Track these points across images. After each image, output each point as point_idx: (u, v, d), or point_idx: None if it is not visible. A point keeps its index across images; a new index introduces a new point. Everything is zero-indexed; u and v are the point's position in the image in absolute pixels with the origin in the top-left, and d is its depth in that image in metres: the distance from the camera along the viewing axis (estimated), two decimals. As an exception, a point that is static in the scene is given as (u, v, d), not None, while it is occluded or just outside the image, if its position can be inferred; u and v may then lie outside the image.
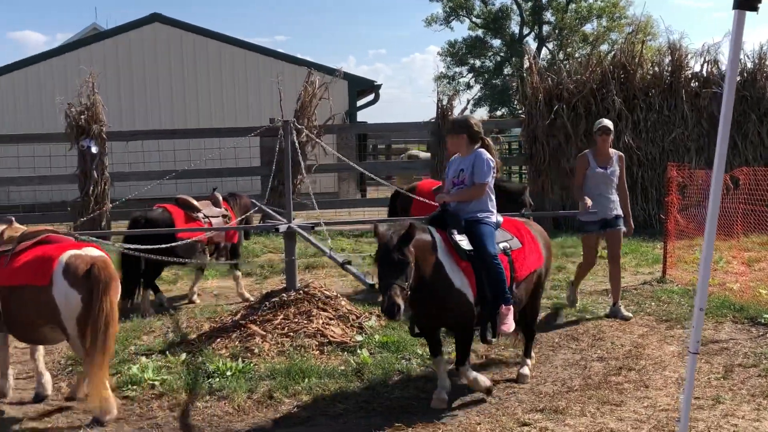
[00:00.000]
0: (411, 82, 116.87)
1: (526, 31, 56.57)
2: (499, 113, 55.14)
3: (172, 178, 15.87)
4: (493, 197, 6.11)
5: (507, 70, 56.87)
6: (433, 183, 10.12)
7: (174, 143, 17.40)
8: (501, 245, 5.93)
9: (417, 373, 6.58)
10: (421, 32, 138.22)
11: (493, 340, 6.04)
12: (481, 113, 56.44)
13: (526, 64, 16.92)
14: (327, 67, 18.67)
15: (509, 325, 5.80)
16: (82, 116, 13.93)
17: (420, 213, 8.69)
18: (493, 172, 6.06)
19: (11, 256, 5.81)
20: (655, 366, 6.76)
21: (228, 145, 16.11)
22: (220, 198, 9.99)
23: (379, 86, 23.47)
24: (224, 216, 9.75)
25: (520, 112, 42.93)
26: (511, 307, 5.82)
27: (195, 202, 9.58)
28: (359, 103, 23.82)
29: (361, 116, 24.03)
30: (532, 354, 6.72)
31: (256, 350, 7.01)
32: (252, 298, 9.09)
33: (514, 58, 54.65)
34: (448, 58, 58.40)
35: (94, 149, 13.93)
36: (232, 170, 16.01)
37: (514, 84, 35.78)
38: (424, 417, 5.66)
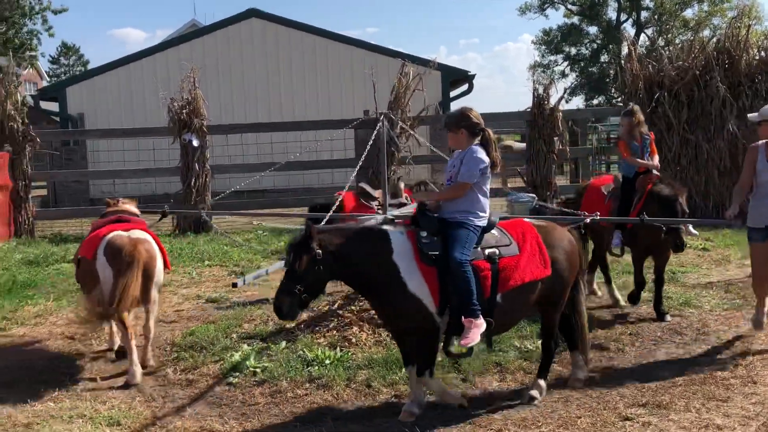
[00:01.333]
0: (503, 72, 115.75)
1: (623, 17, 55.21)
2: (595, 102, 54.05)
3: (269, 170, 16.25)
4: (482, 197, 5.60)
5: (604, 58, 55.66)
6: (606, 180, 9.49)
7: (271, 136, 17.75)
8: (487, 251, 5.50)
9: (515, 366, 6.52)
10: (514, 21, 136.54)
11: (457, 350, 5.62)
12: (577, 102, 55.46)
13: (625, 51, 16.47)
14: (420, 58, 18.62)
15: (469, 339, 5.25)
16: (184, 111, 14.35)
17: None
18: (485, 171, 5.56)
19: (90, 231, 7.13)
20: (764, 361, 6.52)
21: (323, 137, 16.35)
22: (402, 186, 9.77)
23: (473, 76, 23.32)
24: (402, 204, 9.18)
25: (618, 100, 41.90)
26: (478, 320, 5.28)
27: (371, 191, 9.62)
28: (452, 93, 23.72)
29: (455, 107, 23.87)
30: (545, 377, 5.96)
31: (354, 339, 7.09)
32: None
33: (611, 45, 53.42)
34: (543, 47, 57.60)
35: (195, 143, 14.34)
36: (327, 162, 16.21)
37: (611, 71, 35.02)
38: (522, 410, 5.62)
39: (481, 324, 5.29)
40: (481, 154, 5.59)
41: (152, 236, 7.12)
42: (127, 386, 6.40)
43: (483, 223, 5.57)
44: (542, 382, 5.89)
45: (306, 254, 5.15)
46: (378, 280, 5.35)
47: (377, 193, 9.55)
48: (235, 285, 6.50)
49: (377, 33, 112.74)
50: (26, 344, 7.80)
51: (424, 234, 5.42)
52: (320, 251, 5.16)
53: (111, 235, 6.73)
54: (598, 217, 7.66)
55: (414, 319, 5.37)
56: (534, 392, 5.79)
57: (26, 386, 6.46)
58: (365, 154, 9.34)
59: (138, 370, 6.52)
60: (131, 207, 7.60)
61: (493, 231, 5.66)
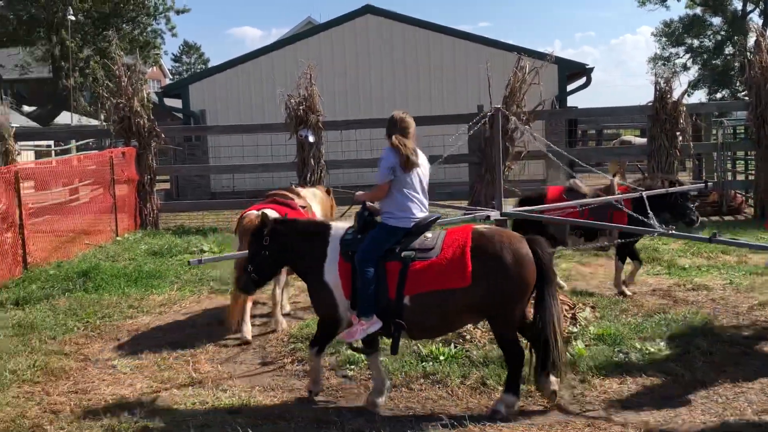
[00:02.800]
0: (620, 65, 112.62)
1: (749, 7, 52.72)
2: (719, 95, 51.90)
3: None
4: (402, 197, 5.59)
5: (728, 50, 53.38)
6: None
7: (384, 131, 17.84)
8: (404, 253, 5.50)
9: (636, 368, 6.32)
10: (631, 12, 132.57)
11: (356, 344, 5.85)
12: (699, 96, 53.45)
13: (752, 42, 15.67)
14: (536, 51, 18.31)
15: (349, 335, 5.65)
16: (301, 107, 14.59)
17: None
18: (394, 171, 5.57)
19: None
20: None
21: (435, 133, 16.31)
22: (615, 181, 9.15)
23: (591, 69, 22.74)
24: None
25: (743, 93, 40.00)
26: (366, 319, 5.47)
27: (579, 184, 9.25)
28: (569, 87, 23.24)
29: (571, 101, 23.41)
30: (512, 391, 5.55)
31: (468, 336, 7.04)
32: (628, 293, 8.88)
33: (736, 37, 51.13)
34: (663, 39, 55.74)
35: (311, 138, 14.57)
36: (439, 157, 16.14)
37: (736, 64, 33.54)
38: (642, 411, 5.46)
39: (369, 324, 5.49)
40: (388, 153, 5.67)
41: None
42: (246, 373, 6.58)
43: (402, 224, 5.59)
44: (509, 398, 5.52)
45: (256, 240, 5.95)
46: (306, 265, 5.89)
47: (586, 189, 9.15)
48: (189, 263, 7.01)
49: (489, 27, 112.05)
50: (152, 331, 8.12)
51: (349, 231, 5.78)
52: (268, 238, 5.87)
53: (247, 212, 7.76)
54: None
55: (322, 306, 5.85)
56: (498, 406, 5.50)
57: (152, 372, 6.74)
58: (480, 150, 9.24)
59: (248, 328, 7.59)
60: (302, 191, 8.93)
61: (427, 233, 5.64)
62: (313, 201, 8.88)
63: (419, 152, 5.74)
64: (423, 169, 5.76)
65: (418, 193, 5.68)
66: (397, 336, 5.58)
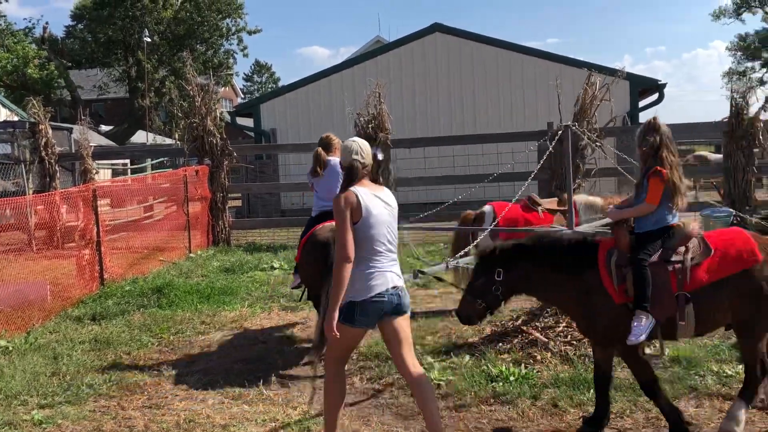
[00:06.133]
0: (692, 80, 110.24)
1: (830, 18, 51.13)
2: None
3: (451, 182, 16.30)
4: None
5: (807, 63, 51.82)
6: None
7: (453, 149, 17.84)
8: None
9: (712, 392, 6.13)
10: (703, 27, 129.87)
11: None
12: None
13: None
14: (606, 67, 18.06)
15: None
16: (370, 125, 14.67)
17: None
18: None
19: None
20: None
21: (505, 150, 16.21)
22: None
23: (663, 85, 22.36)
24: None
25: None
26: None
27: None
28: (641, 103, 22.86)
29: (643, 117, 22.99)
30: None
31: (539, 357, 6.96)
32: None
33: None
34: (739, 53, 54.43)
35: (380, 156, 14.56)
36: (510, 174, 16.05)
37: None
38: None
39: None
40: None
41: None
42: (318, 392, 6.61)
43: None
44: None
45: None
46: None
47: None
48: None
49: (558, 43, 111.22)
50: (223, 347, 8.24)
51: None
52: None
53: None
54: None
55: None
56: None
57: (223, 388, 6.83)
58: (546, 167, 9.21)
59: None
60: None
61: None
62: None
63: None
64: None
65: None
66: None
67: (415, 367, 5.11)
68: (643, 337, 5.06)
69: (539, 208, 9.27)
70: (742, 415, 5.20)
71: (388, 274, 5.04)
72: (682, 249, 5.21)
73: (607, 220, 7.55)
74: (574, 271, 5.30)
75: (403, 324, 5.11)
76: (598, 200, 9.44)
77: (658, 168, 5.24)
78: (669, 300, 5.09)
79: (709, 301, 5.08)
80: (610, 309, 5.19)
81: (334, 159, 7.80)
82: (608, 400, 5.54)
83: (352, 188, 5.05)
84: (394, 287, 5.03)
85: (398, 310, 5.07)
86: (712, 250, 5.16)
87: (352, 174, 5.13)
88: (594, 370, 5.61)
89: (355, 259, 4.93)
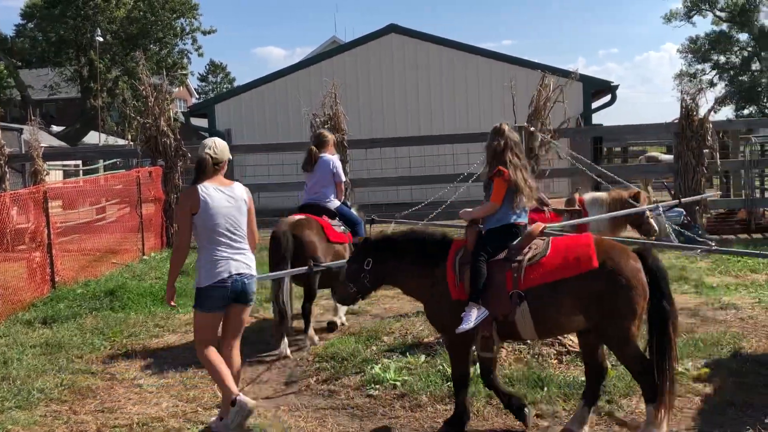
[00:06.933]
0: (645, 82, 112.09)
1: (777, 22, 52.35)
2: (746, 112, 51.49)
3: (408, 183, 16.34)
4: None
5: (755, 66, 53.02)
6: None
7: (409, 150, 17.88)
8: None
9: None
10: (656, 29, 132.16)
11: None
12: (726, 112, 53.06)
13: (780, 58, 15.55)
14: (560, 69, 18.29)
15: None
16: (326, 126, 14.64)
17: None
18: None
19: None
20: None
21: (461, 151, 16.30)
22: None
23: (615, 87, 22.69)
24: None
25: (771, 110, 39.62)
26: None
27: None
28: (594, 104, 23.18)
29: (596, 118, 23.35)
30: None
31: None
32: None
33: (763, 53, 50.81)
34: (689, 55, 55.47)
35: (336, 157, 14.59)
36: (464, 175, 16.13)
37: (764, 80, 33.27)
38: (673, 434, 5.38)
39: None
40: None
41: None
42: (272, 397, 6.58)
43: None
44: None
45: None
46: None
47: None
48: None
49: (513, 45, 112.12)
50: (178, 351, 8.15)
51: None
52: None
53: None
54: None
55: None
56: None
57: (178, 392, 6.76)
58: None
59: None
60: None
61: None
62: None
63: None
64: None
65: None
66: None
67: (236, 357, 5.79)
68: (467, 326, 5.18)
69: (546, 209, 9.27)
70: (655, 417, 5.13)
71: (232, 262, 5.52)
72: (525, 249, 5.36)
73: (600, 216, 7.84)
74: (428, 266, 5.55)
75: (241, 315, 5.73)
76: (603, 195, 9.63)
77: (501, 168, 5.44)
78: (504, 297, 5.22)
79: (544, 301, 5.15)
80: (449, 303, 5.39)
81: (326, 156, 8.63)
82: (505, 390, 5.72)
83: (198, 183, 5.57)
84: (238, 274, 5.53)
85: (242, 298, 5.62)
86: (548, 252, 5.27)
87: (200, 167, 5.65)
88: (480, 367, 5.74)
89: (200, 249, 5.58)
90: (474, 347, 5.54)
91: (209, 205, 5.49)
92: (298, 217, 8.25)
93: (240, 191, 5.69)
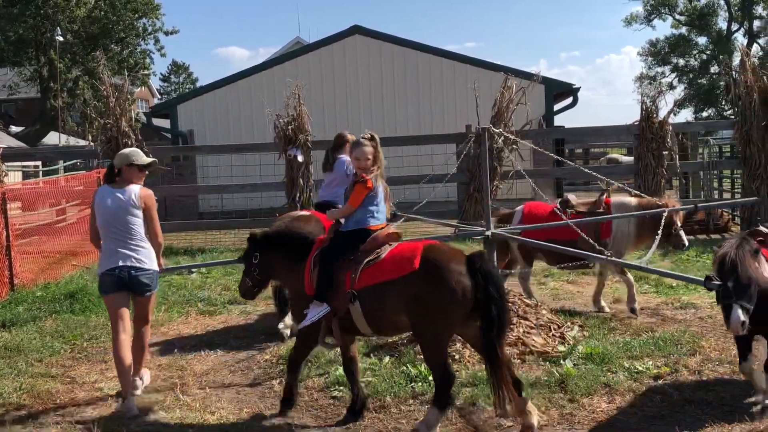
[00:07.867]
0: (606, 84, 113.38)
1: (734, 26, 53.33)
2: (705, 114, 52.36)
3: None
4: None
5: (713, 69, 53.92)
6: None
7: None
8: None
9: (624, 387, 6.32)
10: (616, 33, 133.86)
11: None
12: (686, 114, 53.94)
13: (737, 61, 15.83)
14: (523, 71, 18.45)
15: None
16: (290, 127, 14.60)
17: None
18: None
19: None
20: None
21: (425, 152, 16.35)
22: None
23: (577, 89, 22.94)
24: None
25: (729, 112, 40.23)
26: None
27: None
28: (556, 107, 23.40)
29: (558, 120, 23.54)
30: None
31: (457, 356, 7.03)
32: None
33: (721, 56, 51.68)
34: (649, 58, 56.27)
35: (300, 158, 14.57)
36: (428, 176, 16.21)
37: (722, 83, 33.87)
38: (632, 431, 5.45)
39: None
40: None
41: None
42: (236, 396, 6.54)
43: None
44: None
45: None
46: None
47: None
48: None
49: (476, 47, 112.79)
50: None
51: None
52: None
53: None
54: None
55: None
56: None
57: (139, 395, 6.68)
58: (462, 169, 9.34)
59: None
60: None
61: None
62: None
63: None
64: None
65: None
66: None
67: (140, 339, 6.61)
68: (305, 323, 5.72)
69: (570, 210, 9.17)
70: (436, 421, 5.41)
71: (118, 254, 6.30)
72: (370, 251, 5.62)
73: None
74: (295, 261, 5.93)
75: (141, 304, 6.55)
76: (632, 201, 9.24)
77: (364, 176, 5.73)
78: (342, 295, 5.57)
79: (374, 301, 5.47)
80: (304, 298, 5.79)
81: (343, 156, 8.66)
82: (358, 385, 6.03)
83: (102, 185, 6.58)
84: (123, 266, 6.28)
85: (135, 288, 6.39)
86: (384, 255, 5.54)
87: (108, 171, 6.55)
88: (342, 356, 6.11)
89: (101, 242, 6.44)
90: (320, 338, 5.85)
91: (98, 205, 6.42)
92: (301, 212, 8.61)
93: (130, 193, 6.39)
